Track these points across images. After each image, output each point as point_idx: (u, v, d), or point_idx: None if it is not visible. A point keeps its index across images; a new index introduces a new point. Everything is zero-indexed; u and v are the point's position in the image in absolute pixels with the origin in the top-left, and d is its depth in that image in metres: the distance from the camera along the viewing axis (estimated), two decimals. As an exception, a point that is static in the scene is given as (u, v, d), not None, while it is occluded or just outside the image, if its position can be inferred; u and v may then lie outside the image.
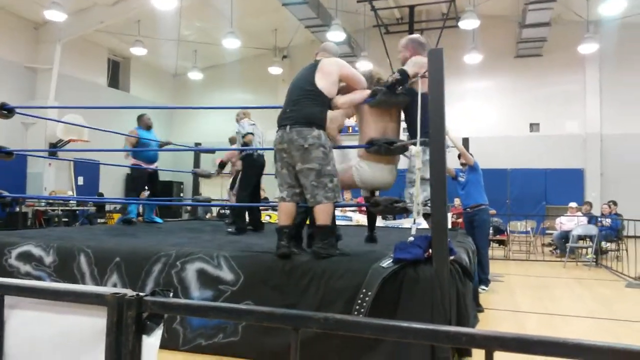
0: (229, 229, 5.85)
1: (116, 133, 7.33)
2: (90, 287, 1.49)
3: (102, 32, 14.64)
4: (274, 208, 8.63)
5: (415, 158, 3.37)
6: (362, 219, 8.35)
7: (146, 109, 16.35)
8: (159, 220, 7.29)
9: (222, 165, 7.13)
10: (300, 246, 3.81)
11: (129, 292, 1.35)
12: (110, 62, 17.25)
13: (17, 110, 5.16)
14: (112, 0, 13.36)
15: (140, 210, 8.51)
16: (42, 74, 13.96)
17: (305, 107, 3.44)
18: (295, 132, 3.38)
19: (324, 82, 3.50)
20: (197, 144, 7.97)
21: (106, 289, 1.37)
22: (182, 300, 1.51)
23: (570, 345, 1.02)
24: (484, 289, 6.57)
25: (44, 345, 1.41)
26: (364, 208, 7.38)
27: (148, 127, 6.99)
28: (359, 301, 2.99)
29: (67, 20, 12.34)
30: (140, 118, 7.06)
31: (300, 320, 1.24)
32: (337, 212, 7.86)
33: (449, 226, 6.73)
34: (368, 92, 3.69)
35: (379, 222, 6.25)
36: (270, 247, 3.72)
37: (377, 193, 4.07)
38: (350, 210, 8.48)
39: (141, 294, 1.35)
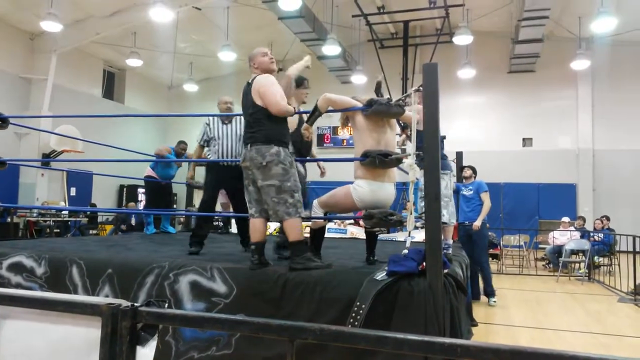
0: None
1: (109, 146, 7.37)
2: (84, 297, 1.48)
3: (98, 43, 14.67)
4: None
5: (409, 171, 3.38)
6: (356, 231, 8.34)
7: (139, 117, 16.44)
8: (172, 230, 7.56)
9: None
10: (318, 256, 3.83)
11: (124, 303, 1.34)
12: (106, 74, 17.25)
13: (11, 120, 5.14)
14: (109, 12, 13.40)
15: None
16: (36, 84, 13.94)
17: (263, 126, 3.53)
18: (255, 150, 3.50)
19: (261, 102, 3.55)
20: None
21: (101, 299, 1.37)
22: (177, 311, 1.51)
23: (565, 357, 1.03)
24: (495, 302, 6.70)
25: (38, 356, 1.40)
26: (359, 221, 7.36)
27: (179, 155, 7.40)
28: (353, 314, 2.97)
29: (63, 31, 12.37)
30: (180, 143, 7.46)
31: (296, 331, 1.24)
32: (331, 225, 7.91)
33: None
34: (355, 102, 3.74)
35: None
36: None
37: None
38: (349, 223, 8.49)
39: (136, 304, 1.35)
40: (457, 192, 7.12)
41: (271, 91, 3.51)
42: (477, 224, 6.81)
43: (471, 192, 7.00)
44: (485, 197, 6.94)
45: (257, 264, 3.55)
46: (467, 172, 7.23)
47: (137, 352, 1.33)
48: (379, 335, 1.19)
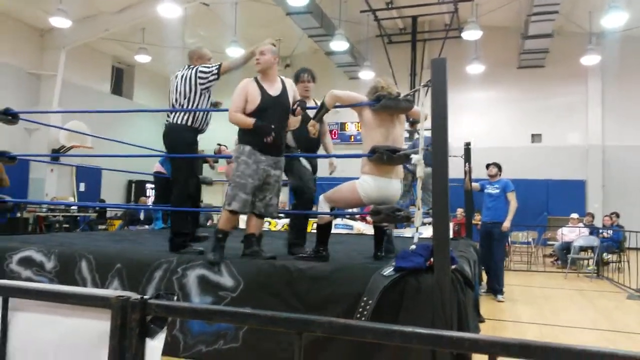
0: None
1: (118, 142, 7.39)
2: (94, 290, 1.50)
3: (107, 39, 14.73)
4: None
5: (417, 167, 3.37)
6: (363, 227, 8.33)
7: (148, 112, 16.50)
8: None
9: None
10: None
11: (133, 295, 1.35)
12: (115, 70, 17.33)
13: (21, 116, 5.15)
14: (118, 8, 13.45)
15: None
16: (46, 80, 14.03)
17: None
18: None
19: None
20: (200, 151, 8.04)
21: (110, 292, 1.38)
22: (186, 304, 1.52)
23: (574, 351, 1.02)
24: (503, 299, 6.70)
25: (48, 348, 1.41)
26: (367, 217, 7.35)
27: None
28: (360, 309, 2.98)
29: (72, 27, 12.43)
30: None
31: (304, 325, 1.24)
32: (338, 220, 7.91)
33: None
34: (363, 97, 3.74)
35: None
36: (270, 253, 3.75)
37: None
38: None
39: (145, 297, 1.35)
40: (482, 189, 7.10)
41: (232, 99, 3.74)
42: (507, 225, 6.77)
43: (497, 191, 6.96)
44: (512, 197, 6.88)
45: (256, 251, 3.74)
46: (493, 170, 7.21)
47: (147, 345, 1.34)
48: (386, 328, 1.19)
